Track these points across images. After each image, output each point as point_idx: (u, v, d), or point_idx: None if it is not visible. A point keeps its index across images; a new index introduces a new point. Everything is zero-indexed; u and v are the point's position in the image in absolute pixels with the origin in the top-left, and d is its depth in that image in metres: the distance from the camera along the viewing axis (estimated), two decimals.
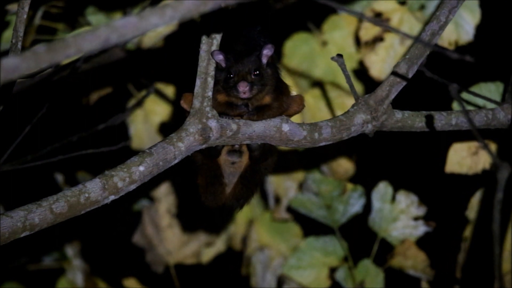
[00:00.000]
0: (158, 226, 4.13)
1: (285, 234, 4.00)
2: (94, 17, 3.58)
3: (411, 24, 3.52)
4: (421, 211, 3.67)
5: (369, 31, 3.56)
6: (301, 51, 3.75)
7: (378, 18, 3.50)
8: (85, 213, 2.46)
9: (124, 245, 4.27)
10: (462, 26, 3.44)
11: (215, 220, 4.13)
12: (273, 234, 4.01)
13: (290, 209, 3.92)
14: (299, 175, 3.92)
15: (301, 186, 3.87)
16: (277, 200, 3.98)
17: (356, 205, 3.71)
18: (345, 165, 3.87)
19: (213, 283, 4.51)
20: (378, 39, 3.55)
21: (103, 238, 4.45)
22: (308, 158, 3.91)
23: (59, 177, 4.14)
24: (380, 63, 3.56)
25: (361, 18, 3.52)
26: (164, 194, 4.13)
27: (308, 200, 3.72)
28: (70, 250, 4.23)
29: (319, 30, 3.75)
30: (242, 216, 4.04)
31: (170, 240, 4.13)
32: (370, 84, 3.62)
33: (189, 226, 4.15)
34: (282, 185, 3.95)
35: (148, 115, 4.04)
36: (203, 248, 4.14)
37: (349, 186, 3.73)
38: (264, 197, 4.02)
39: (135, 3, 3.54)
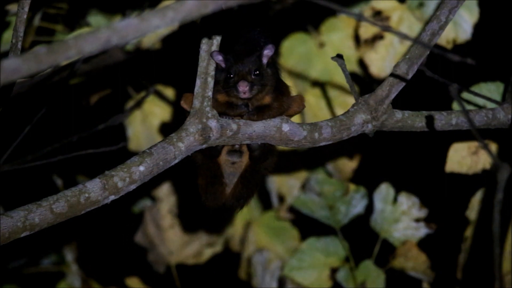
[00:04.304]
0: (159, 226, 4.13)
1: (283, 236, 4.00)
2: (94, 18, 3.58)
3: (410, 23, 3.52)
4: (422, 213, 3.67)
5: (369, 29, 3.56)
6: (298, 52, 3.76)
7: (378, 16, 3.50)
8: (85, 213, 2.46)
9: (125, 245, 4.27)
10: (460, 25, 3.44)
11: (216, 220, 4.14)
12: (271, 235, 4.01)
13: (292, 209, 3.92)
14: (302, 174, 3.92)
15: (304, 186, 3.87)
16: (281, 199, 3.98)
17: (358, 206, 3.71)
18: (346, 165, 3.87)
19: (213, 283, 4.51)
20: (378, 37, 3.56)
21: (103, 239, 4.45)
22: (310, 157, 3.91)
23: (59, 177, 4.14)
24: (380, 61, 3.56)
25: (360, 20, 3.53)
26: (166, 194, 4.13)
27: (310, 200, 3.72)
28: (69, 253, 4.22)
29: (317, 31, 3.76)
30: (240, 217, 4.04)
31: (171, 240, 4.13)
32: (367, 85, 3.62)
33: (190, 226, 4.14)
34: (286, 184, 3.95)
35: (146, 116, 4.03)
36: (205, 248, 4.14)
37: (352, 186, 3.73)
38: (262, 198, 4.02)
39: (134, 6, 3.55)
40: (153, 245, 4.14)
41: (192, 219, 4.16)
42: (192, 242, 4.14)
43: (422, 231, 3.67)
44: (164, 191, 4.14)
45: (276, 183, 3.96)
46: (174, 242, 4.13)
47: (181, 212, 4.14)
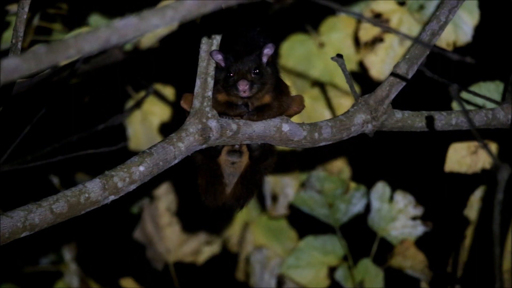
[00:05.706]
0: (157, 224, 4.13)
1: (281, 237, 4.00)
2: (94, 19, 3.57)
3: (410, 25, 3.52)
4: (418, 211, 3.67)
5: (368, 31, 3.56)
6: (298, 53, 3.75)
7: (377, 18, 3.50)
8: (84, 213, 2.45)
9: (123, 244, 4.27)
10: (461, 27, 3.44)
11: (214, 219, 4.14)
12: (269, 236, 4.01)
13: (289, 208, 3.92)
14: (296, 173, 3.92)
15: (300, 184, 3.87)
16: (274, 198, 3.98)
17: (358, 205, 3.71)
18: (340, 165, 3.87)
19: (210, 283, 4.51)
20: (378, 39, 3.56)
21: (101, 239, 4.45)
22: (306, 156, 3.91)
23: (57, 178, 4.14)
24: (380, 63, 3.56)
25: (360, 19, 3.53)
26: (164, 193, 4.13)
27: (310, 198, 3.72)
28: (67, 252, 4.22)
29: (317, 32, 3.75)
30: (238, 218, 4.04)
31: (169, 238, 4.13)
32: (367, 86, 3.62)
33: (189, 224, 4.15)
34: (279, 183, 3.94)
35: (146, 116, 4.03)
36: (202, 247, 4.15)
37: (352, 185, 3.73)
38: (260, 198, 4.02)
39: (134, 7, 3.54)
40: (151, 242, 4.14)
41: (190, 217, 4.16)
42: (190, 240, 4.15)
43: (420, 229, 3.67)
44: (162, 189, 4.14)
45: (270, 183, 3.96)
46: (172, 240, 4.13)
47: (179, 210, 4.14)
